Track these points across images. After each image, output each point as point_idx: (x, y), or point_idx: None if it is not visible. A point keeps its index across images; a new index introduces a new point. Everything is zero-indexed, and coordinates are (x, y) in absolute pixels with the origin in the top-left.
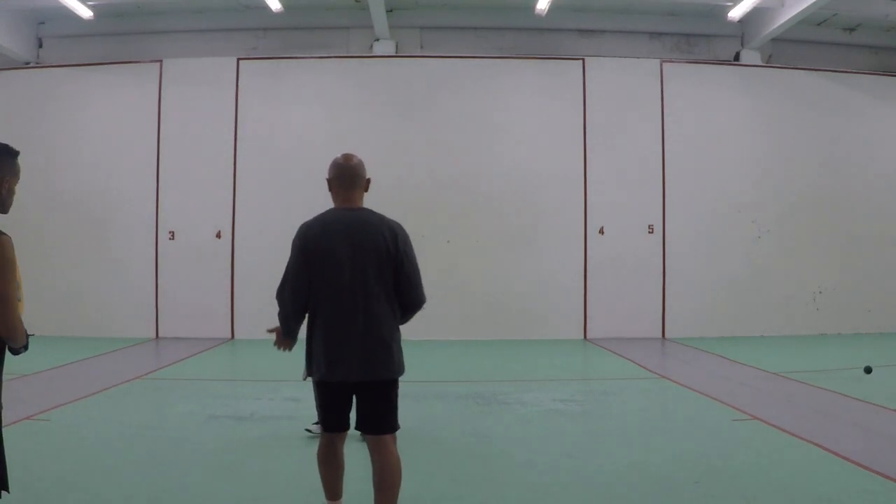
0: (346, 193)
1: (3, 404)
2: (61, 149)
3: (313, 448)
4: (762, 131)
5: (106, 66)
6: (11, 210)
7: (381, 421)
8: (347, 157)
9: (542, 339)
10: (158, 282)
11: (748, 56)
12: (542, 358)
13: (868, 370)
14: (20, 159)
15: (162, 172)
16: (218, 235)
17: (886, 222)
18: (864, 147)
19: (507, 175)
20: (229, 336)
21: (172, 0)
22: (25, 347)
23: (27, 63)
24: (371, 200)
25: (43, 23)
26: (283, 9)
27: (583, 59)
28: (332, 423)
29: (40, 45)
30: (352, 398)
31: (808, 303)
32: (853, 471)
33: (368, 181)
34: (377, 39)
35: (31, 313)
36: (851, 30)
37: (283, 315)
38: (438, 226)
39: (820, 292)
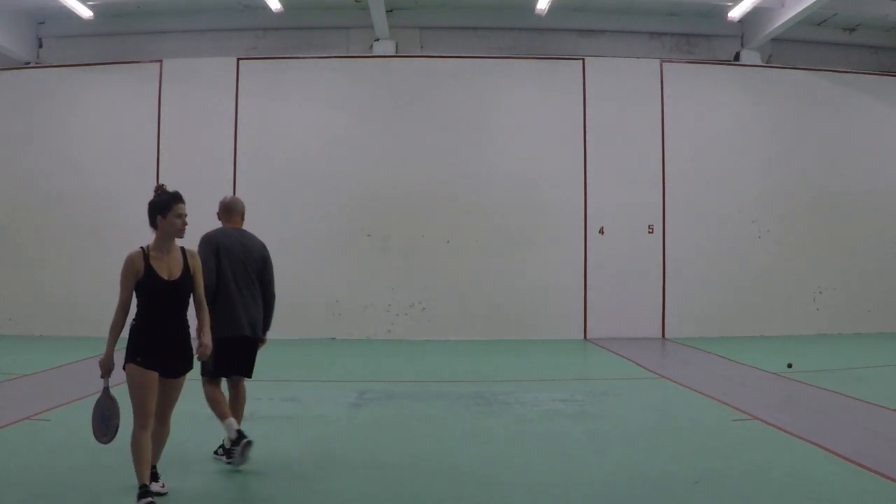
0: (234, 219)
1: (3, 405)
2: (61, 148)
3: (313, 449)
4: (762, 131)
5: (106, 66)
6: (11, 210)
7: (252, 367)
8: (234, 198)
9: (542, 339)
10: None
11: (748, 56)
12: (542, 358)
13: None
14: (19, 159)
15: (161, 172)
16: None
17: (886, 222)
18: (864, 147)
19: (507, 175)
20: None
21: (172, 0)
22: None
23: (27, 63)
24: (372, 200)
25: (43, 23)
26: (283, 9)
27: (583, 59)
28: (226, 370)
29: (40, 45)
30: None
31: (808, 303)
32: (853, 471)
33: (244, 213)
34: (377, 39)
35: (32, 313)
36: (851, 30)
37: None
38: (438, 226)
39: (820, 292)
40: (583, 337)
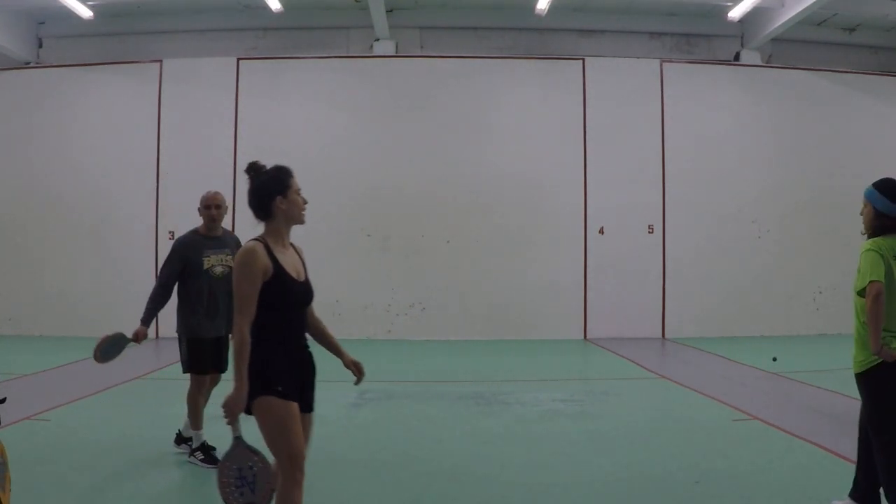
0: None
1: (3, 405)
2: (61, 149)
3: (313, 449)
4: (762, 131)
5: (106, 65)
6: (11, 210)
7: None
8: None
9: (542, 339)
10: None
11: (748, 56)
12: (542, 358)
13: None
14: (19, 159)
15: (162, 172)
16: None
17: None
18: (864, 147)
19: (507, 175)
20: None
21: (172, 0)
22: None
23: (27, 63)
24: (372, 200)
25: (43, 23)
26: (283, 9)
27: (583, 59)
28: (206, 367)
29: (40, 45)
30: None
31: (808, 303)
32: (853, 471)
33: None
34: (377, 39)
35: (32, 313)
36: (851, 30)
37: None
38: (438, 226)
39: (820, 292)
40: (583, 337)
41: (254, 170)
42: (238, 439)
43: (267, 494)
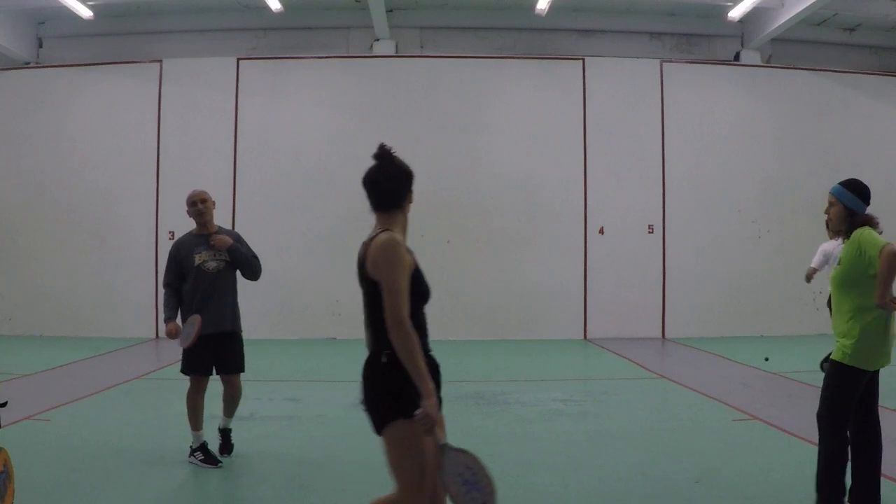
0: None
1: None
2: (61, 148)
3: (313, 449)
4: (762, 131)
5: (106, 66)
6: (11, 210)
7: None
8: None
9: (542, 339)
10: (158, 282)
11: (748, 56)
12: (542, 358)
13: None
14: (19, 159)
15: (162, 172)
16: None
17: (886, 222)
18: (864, 147)
19: (507, 175)
20: None
21: (172, 0)
22: None
23: (27, 63)
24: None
25: (43, 23)
26: (283, 9)
27: (583, 59)
28: (203, 367)
29: (40, 45)
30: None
31: (808, 303)
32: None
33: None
34: (377, 39)
35: (32, 313)
36: (851, 30)
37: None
38: (438, 226)
39: (820, 292)
40: (583, 337)
41: (388, 156)
42: (445, 446)
43: (491, 489)
